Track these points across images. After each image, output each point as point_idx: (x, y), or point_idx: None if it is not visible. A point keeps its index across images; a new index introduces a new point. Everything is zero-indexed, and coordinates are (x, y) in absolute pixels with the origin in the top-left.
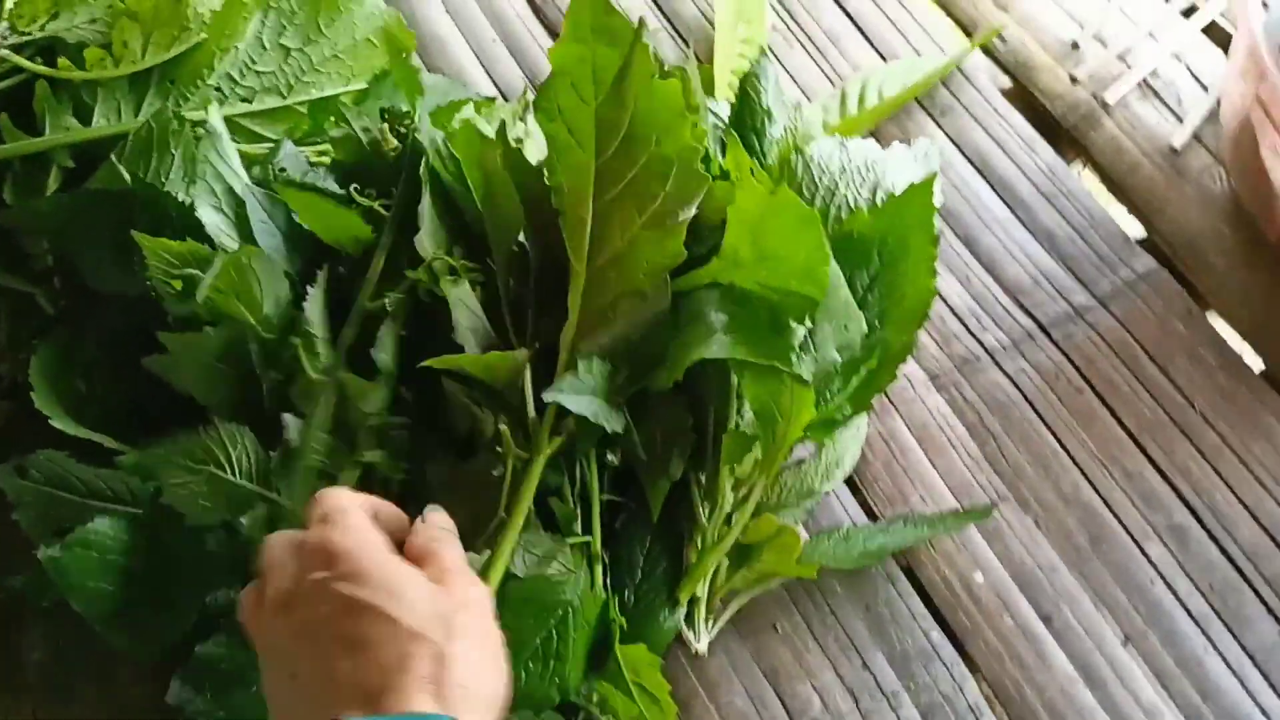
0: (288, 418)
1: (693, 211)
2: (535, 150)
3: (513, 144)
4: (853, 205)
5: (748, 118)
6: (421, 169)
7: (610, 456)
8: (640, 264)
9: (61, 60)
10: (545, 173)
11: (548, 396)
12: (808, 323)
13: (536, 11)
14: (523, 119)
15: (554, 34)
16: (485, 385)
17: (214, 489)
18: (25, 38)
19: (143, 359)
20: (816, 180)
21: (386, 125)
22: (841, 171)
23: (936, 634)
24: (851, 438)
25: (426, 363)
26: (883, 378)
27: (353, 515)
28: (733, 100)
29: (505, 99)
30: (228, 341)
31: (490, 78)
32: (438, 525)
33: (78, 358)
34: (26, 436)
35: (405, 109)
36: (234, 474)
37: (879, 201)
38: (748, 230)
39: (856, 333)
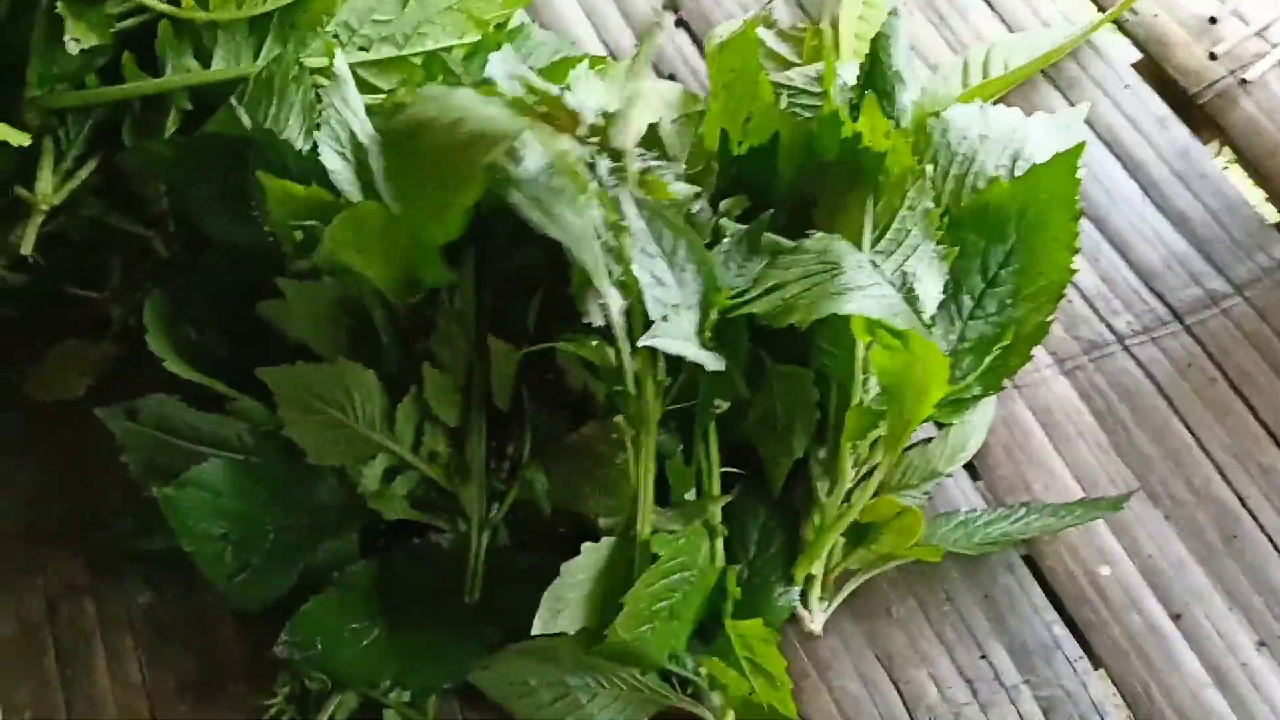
0: (430, 370)
1: None
2: (647, 113)
3: None
4: (991, 175)
5: (877, 80)
6: None
7: None
8: None
9: (186, 0)
10: None
11: (644, 341)
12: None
13: None
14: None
15: None
16: None
17: (335, 433)
18: None
19: (258, 304)
20: (954, 146)
21: None
22: (981, 139)
23: (1059, 627)
24: (978, 420)
25: (552, 344)
26: (1015, 358)
27: None
28: (861, 62)
29: (615, 59)
30: (346, 291)
31: (600, 38)
32: None
33: (189, 304)
34: (133, 381)
35: None
36: (357, 420)
37: (1019, 172)
38: None
39: None
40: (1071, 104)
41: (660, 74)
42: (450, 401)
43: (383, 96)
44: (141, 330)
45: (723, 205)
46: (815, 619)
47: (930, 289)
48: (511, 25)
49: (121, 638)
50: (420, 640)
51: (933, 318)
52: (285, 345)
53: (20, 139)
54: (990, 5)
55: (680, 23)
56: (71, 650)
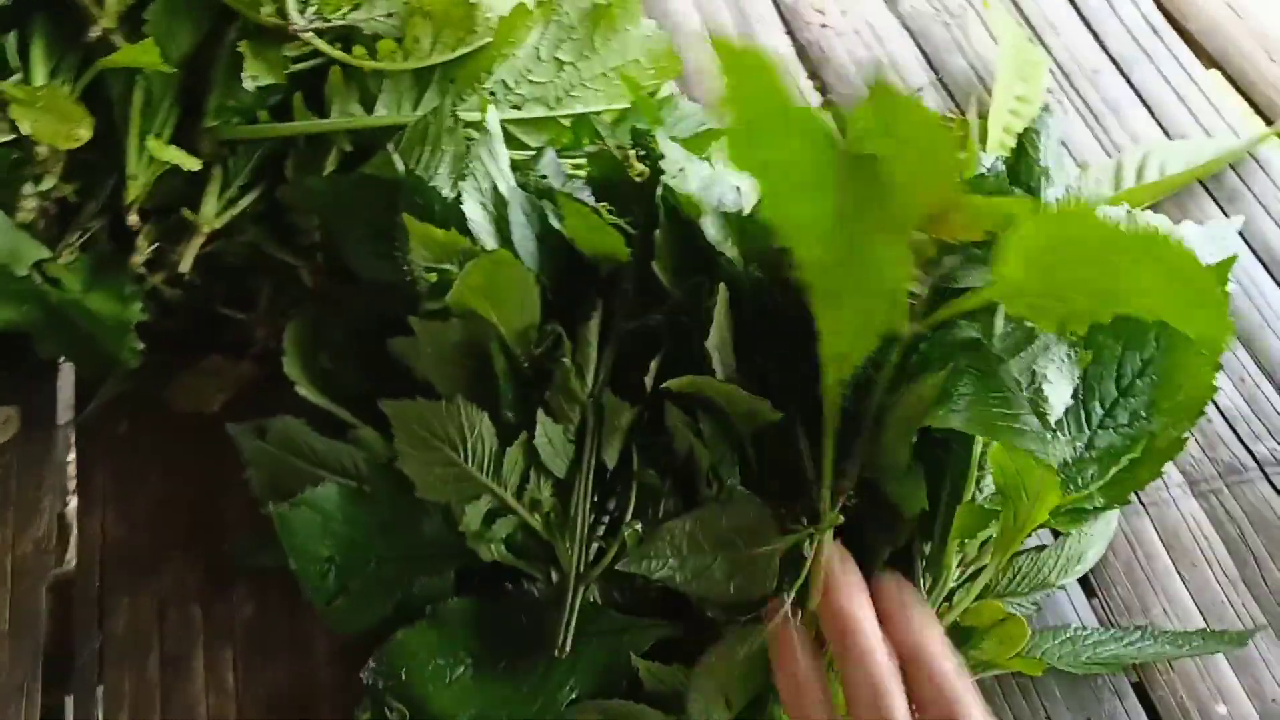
0: (544, 420)
1: None
2: None
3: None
4: None
5: (1023, 174)
6: (657, 197)
7: None
8: None
9: (357, 48)
10: None
11: None
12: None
13: (800, 54)
14: None
15: (812, 74)
16: (720, 422)
17: (445, 470)
18: (327, 24)
19: (389, 340)
20: None
21: (634, 148)
22: None
23: None
24: (1099, 532)
25: (672, 383)
26: (1144, 473)
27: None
28: (1006, 156)
29: None
30: (472, 335)
31: None
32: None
33: (326, 334)
34: (266, 402)
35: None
36: (467, 460)
37: None
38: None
39: None
40: (1229, 217)
41: None
42: (559, 452)
43: (530, 152)
44: (281, 353)
45: None
46: None
47: (1059, 391)
48: (661, 94)
49: (222, 647)
50: (503, 686)
51: (1058, 422)
52: (412, 382)
53: (191, 164)
54: (1150, 110)
55: (828, 105)
56: (175, 653)
